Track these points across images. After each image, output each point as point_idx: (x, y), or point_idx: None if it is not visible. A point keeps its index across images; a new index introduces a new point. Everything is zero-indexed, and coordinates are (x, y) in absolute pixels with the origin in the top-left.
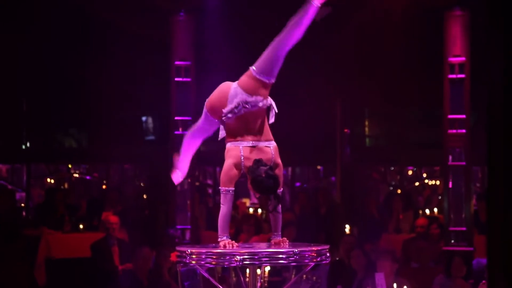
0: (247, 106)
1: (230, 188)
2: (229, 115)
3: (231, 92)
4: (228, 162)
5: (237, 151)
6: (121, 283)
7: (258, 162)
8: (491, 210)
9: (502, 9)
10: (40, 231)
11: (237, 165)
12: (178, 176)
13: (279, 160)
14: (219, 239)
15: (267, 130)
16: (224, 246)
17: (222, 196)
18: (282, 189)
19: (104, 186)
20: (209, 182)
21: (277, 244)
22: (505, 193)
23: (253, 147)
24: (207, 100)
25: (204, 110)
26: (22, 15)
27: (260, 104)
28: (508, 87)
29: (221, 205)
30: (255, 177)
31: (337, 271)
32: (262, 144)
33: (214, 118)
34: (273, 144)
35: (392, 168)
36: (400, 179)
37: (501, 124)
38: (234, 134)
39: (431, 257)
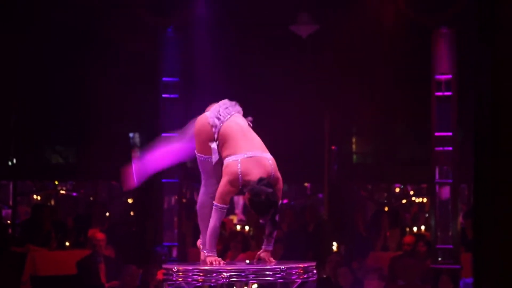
0: (229, 109)
1: (224, 206)
2: (217, 122)
3: (208, 114)
4: (224, 180)
5: (235, 166)
6: None
7: (261, 181)
8: (477, 228)
9: (489, 28)
10: (26, 248)
11: (234, 182)
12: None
13: (278, 174)
14: (206, 254)
15: (261, 143)
16: (211, 263)
17: (214, 211)
18: (281, 201)
19: (91, 202)
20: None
21: (263, 259)
22: (491, 210)
23: (251, 157)
24: (195, 148)
25: (197, 155)
26: (10, 32)
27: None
28: (495, 105)
29: (211, 220)
30: (254, 197)
31: None
32: (260, 155)
33: (206, 153)
34: (270, 156)
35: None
36: (387, 196)
37: (487, 141)
38: (230, 148)
39: (418, 275)
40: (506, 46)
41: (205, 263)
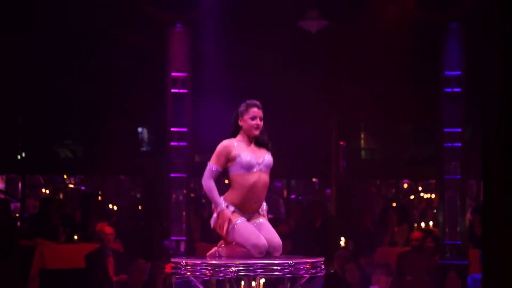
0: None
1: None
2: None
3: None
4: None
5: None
6: None
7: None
8: (486, 224)
9: (497, 25)
10: (34, 242)
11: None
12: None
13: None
14: (218, 211)
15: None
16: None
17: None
18: (267, 207)
19: (99, 198)
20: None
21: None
22: (500, 206)
23: None
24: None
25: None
26: (17, 28)
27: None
28: (503, 100)
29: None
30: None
31: (332, 284)
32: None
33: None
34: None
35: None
36: (395, 192)
37: (496, 137)
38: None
39: (426, 270)
40: None
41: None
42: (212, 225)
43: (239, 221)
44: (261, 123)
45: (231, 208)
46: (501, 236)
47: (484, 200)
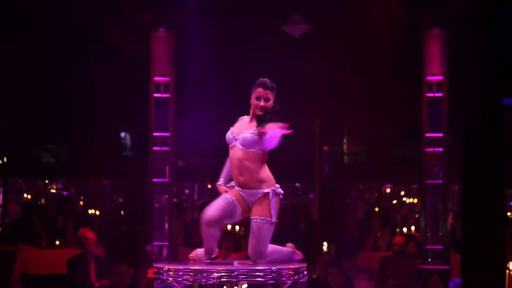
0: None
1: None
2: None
3: None
4: None
5: None
6: None
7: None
8: (466, 228)
9: (480, 30)
10: (16, 247)
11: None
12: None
13: None
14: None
15: None
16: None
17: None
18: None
19: (81, 202)
20: (183, 198)
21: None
22: (478, 211)
23: None
24: None
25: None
26: (1, 31)
27: None
28: (484, 106)
29: None
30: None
31: None
32: None
33: None
34: None
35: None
36: (378, 196)
37: (476, 142)
38: None
39: (408, 275)
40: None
41: None
42: None
43: (222, 195)
44: (265, 104)
45: (220, 181)
46: (480, 240)
47: (462, 204)
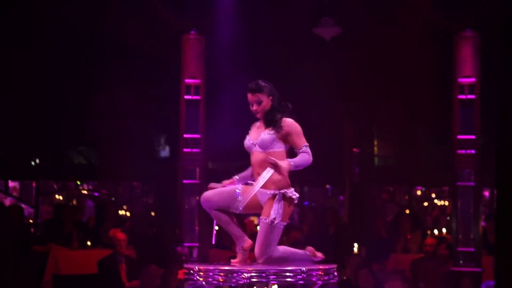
0: None
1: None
2: None
3: None
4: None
5: None
6: None
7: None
8: (499, 231)
9: None
10: (48, 248)
11: None
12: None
13: None
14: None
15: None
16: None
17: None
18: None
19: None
20: None
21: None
22: None
23: None
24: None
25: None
26: (32, 33)
27: None
28: None
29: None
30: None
31: None
32: None
33: None
34: None
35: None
36: (408, 199)
37: (510, 145)
38: None
39: (440, 277)
40: None
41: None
42: None
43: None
44: (257, 107)
45: (236, 177)
46: None
47: (497, 207)
